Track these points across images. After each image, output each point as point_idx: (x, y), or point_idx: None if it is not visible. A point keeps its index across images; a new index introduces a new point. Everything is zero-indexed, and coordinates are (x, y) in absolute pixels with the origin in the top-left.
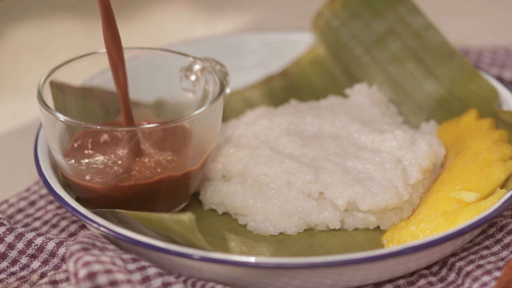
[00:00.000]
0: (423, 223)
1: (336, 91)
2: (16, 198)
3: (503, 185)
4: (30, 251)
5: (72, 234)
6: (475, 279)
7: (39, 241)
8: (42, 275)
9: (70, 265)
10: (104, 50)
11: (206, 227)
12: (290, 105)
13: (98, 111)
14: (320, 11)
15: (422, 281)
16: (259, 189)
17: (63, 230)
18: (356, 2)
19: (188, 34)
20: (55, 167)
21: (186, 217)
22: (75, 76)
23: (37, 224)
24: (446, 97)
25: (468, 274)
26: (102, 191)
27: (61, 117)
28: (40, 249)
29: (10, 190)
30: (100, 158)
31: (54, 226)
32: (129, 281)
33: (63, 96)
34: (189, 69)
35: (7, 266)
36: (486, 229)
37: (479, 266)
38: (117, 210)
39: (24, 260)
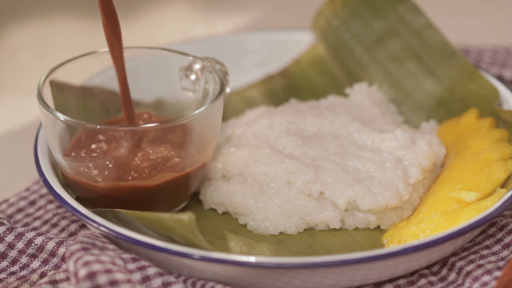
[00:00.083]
0: (424, 223)
1: (336, 90)
2: (16, 198)
3: (503, 185)
4: (30, 250)
5: (72, 234)
6: (476, 279)
7: (39, 240)
8: (42, 275)
9: (70, 265)
10: (104, 49)
11: (206, 227)
12: (290, 105)
13: (98, 110)
14: (320, 11)
15: (423, 281)
16: (259, 188)
17: (63, 229)
18: (356, 1)
19: (188, 33)
20: (55, 166)
21: (186, 216)
22: (75, 75)
23: (37, 223)
24: (446, 97)
25: (468, 273)
26: (102, 191)
27: (61, 116)
28: (40, 248)
29: (10, 189)
30: (100, 157)
31: (54, 225)
32: (129, 281)
33: (63, 95)
34: (189, 68)
35: (7, 266)
36: (487, 229)
37: (480, 266)
38: (117, 209)
39: (24, 259)
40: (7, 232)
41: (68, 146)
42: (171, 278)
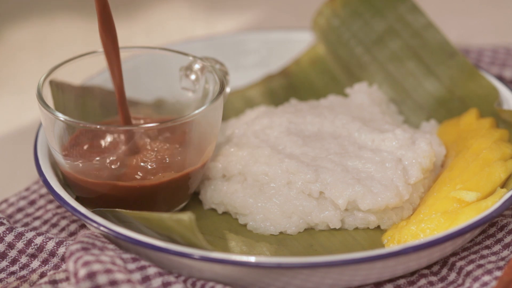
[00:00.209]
0: (424, 223)
1: (336, 90)
2: (15, 198)
3: (503, 185)
4: (29, 250)
5: (72, 234)
6: (476, 279)
7: (38, 240)
8: (42, 275)
9: (70, 265)
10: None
11: (206, 227)
12: (290, 104)
13: (98, 110)
14: (320, 10)
15: (423, 281)
16: (259, 188)
17: (63, 229)
18: (356, 1)
19: (188, 33)
20: (54, 166)
21: (186, 216)
22: (75, 75)
23: (36, 223)
24: (446, 96)
25: (468, 273)
26: (102, 191)
27: (61, 116)
28: (40, 248)
29: (9, 189)
30: (99, 157)
31: (54, 225)
32: (129, 281)
33: (63, 95)
34: (189, 68)
35: (6, 266)
36: (487, 229)
37: (480, 266)
38: (117, 209)
39: (23, 259)
40: (7, 232)
41: (67, 146)
42: (171, 278)
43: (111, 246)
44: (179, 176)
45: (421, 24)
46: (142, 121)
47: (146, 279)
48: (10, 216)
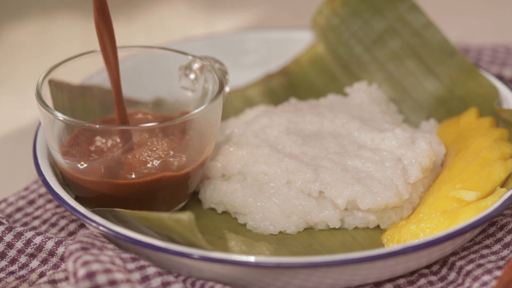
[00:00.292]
0: (423, 222)
1: (336, 89)
2: (15, 197)
3: (503, 184)
4: (29, 250)
5: (71, 233)
6: (476, 278)
7: (38, 240)
8: (41, 275)
9: (69, 265)
10: None
11: (206, 226)
12: (289, 104)
13: (97, 109)
14: (320, 9)
15: (422, 280)
16: (258, 188)
17: (62, 229)
18: (356, 0)
19: (187, 32)
20: (54, 166)
21: (186, 216)
22: (74, 74)
23: (36, 223)
24: (446, 96)
25: (468, 273)
26: (101, 190)
27: (60, 116)
28: (39, 248)
29: (9, 189)
30: (98, 156)
31: (53, 225)
32: (128, 281)
33: (62, 94)
34: (188, 67)
35: (6, 265)
36: (487, 228)
37: (480, 265)
38: (116, 209)
39: (23, 259)
40: (6, 231)
41: (66, 145)
42: (171, 278)
43: (110, 245)
44: (179, 175)
45: (420, 24)
46: (140, 115)
47: (145, 278)
48: (9, 216)
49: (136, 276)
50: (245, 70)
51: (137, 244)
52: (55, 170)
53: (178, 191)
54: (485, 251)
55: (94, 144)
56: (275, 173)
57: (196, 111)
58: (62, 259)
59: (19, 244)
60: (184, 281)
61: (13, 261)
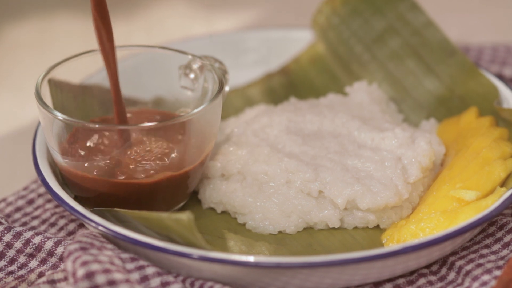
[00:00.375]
0: (423, 222)
1: (335, 88)
2: (14, 197)
3: (503, 184)
4: (28, 250)
5: (70, 233)
6: (475, 278)
7: (37, 240)
8: (40, 275)
9: (68, 265)
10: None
11: (205, 226)
12: (289, 103)
13: (97, 109)
14: (320, 9)
15: (422, 280)
16: (258, 187)
17: (61, 229)
18: None
19: (187, 31)
20: (53, 165)
21: (185, 216)
22: (74, 74)
23: (35, 223)
24: (446, 95)
25: (468, 273)
26: (101, 189)
27: (59, 115)
28: (38, 248)
29: (8, 188)
30: (97, 155)
31: (52, 225)
32: (127, 281)
33: (62, 94)
34: (188, 67)
35: (5, 265)
36: (486, 228)
37: (479, 265)
38: (115, 209)
39: (22, 259)
40: (5, 231)
41: (65, 145)
42: (170, 278)
43: (109, 245)
44: (178, 175)
45: (421, 23)
46: (137, 109)
47: (144, 278)
48: (8, 216)
49: (135, 276)
50: (245, 69)
51: (136, 244)
52: (55, 169)
53: (177, 191)
54: (484, 251)
55: (93, 143)
56: (274, 172)
57: (195, 110)
58: (61, 259)
59: (18, 244)
60: (183, 281)
61: (12, 261)
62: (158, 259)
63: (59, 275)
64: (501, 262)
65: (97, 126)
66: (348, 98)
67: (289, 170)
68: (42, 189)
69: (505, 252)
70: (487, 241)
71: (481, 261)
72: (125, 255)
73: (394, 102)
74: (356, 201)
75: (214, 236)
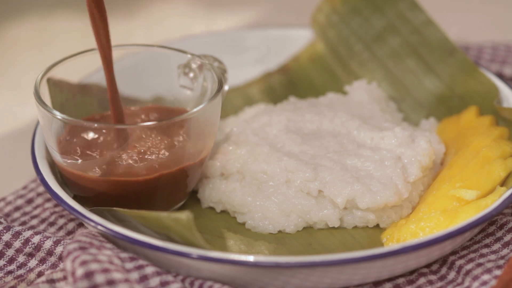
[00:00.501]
0: (423, 221)
1: (335, 87)
2: (13, 196)
3: (503, 183)
4: (27, 249)
5: (69, 233)
6: (475, 278)
7: (36, 239)
8: (39, 274)
9: (68, 264)
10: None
11: (204, 226)
12: (289, 102)
13: (96, 108)
14: (320, 7)
15: (422, 280)
16: (257, 187)
17: (60, 228)
18: None
19: (187, 30)
20: (52, 164)
21: (184, 215)
22: (73, 73)
23: (34, 222)
24: (446, 94)
25: (468, 272)
26: (100, 188)
27: (58, 115)
28: (38, 247)
29: (7, 187)
30: (97, 153)
31: (52, 224)
32: (126, 280)
33: (61, 93)
34: (187, 66)
35: (4, 265)
36: (486, 227)
37: (479, 265)
38: (114, 208)
39: (21, 258)
40: (4, 231)
41: (64, 144)
42: (169, 277)
43: (108, 245)
44: (177, 174)
45: (420, 21)
46: (136, 108)
47: (143, 278)
48: (7, 215)
49: (135, 275)
50: (245, 68)
51: (136, 244)
52: (54, 169)
53: (176, 190)
54: (484, 250)
55: (92, 141)
56: (274, 172)
57: (195, 110)
58: (61, 258)
59: (17, 244)
60: (182, 280)
61: (11, 260)
62: (157, 259)
63: (58, 275)
64: (501, 262)
65: (96, 125)
66: (348, 97)
67: (289, 170)
68: (41, 188)
69: (505, 251)
70: (487, 241)
71: (481, 260)
72: (124, 255)
73: (394, 101)
74: (356, 201)
75: (214, 235)
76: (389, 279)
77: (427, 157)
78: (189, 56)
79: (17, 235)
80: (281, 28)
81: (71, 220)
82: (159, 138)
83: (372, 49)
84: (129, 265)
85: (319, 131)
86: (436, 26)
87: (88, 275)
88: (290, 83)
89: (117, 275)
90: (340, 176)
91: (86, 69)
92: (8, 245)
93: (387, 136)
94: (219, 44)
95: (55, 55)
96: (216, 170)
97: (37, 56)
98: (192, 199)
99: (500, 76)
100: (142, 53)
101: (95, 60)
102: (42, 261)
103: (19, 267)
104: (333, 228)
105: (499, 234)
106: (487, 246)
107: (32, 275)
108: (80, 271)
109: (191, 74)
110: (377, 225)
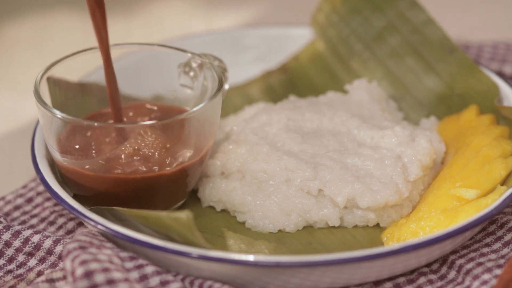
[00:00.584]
0: (423, 220)
1: (335, 86)
2: (13, 195)
3: (503, 182)
4: (27, 249)
5: (69, 232)
6: (476, 277)
7: (36, 238)
8: (39, 273)
9: (67, 263)
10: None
11: (205, 225)
12: (289, 101)
13: (96, 107)
14: (320, 6)
15: (422, 279)
16: (257, 186)
17: (60, 227)
18: None
19: (187, 28)
20: (52, 164)
21: (184, 215)
22: (73, 72)
23: (34, 221)
24: (446, 93)
25: (468, 272)
26: (99, 188)
27: (58, 113)
28: (37, 247)
29: (7, 187)
30: (97, 152)
31: (51, 223)
32: (126, 280)
33: (60, 92)
34: (187, 65)
35: (3, 264)
36: (487, 227)
37: (480, 264)
38: (114, 207)
39: (21, 258)
40: (4, 230)
41: (64, 143)
42: (169, 277)
43: (108, 244)
44: (177, 173)
45: (420, 20)
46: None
47: (143, 277)
48: (7, 214)
49: (134, 275)
50: (245, 67)
51: (136, 243)
52: (53, 168)
53: (176, 189)
54: (485, 250)
55: (92, 140)
56: (274, 171)
57: (195, 108)
58: (60, 257)
59: (17, 243)
60: (182, 280)
61: (11, 259)
62: (157, 258)
63: (58, 274)
64: (501, 261)
65: (95, 124)
66: (348, 96)
67: (289, 169)
68: (41, 188)
69: (505, 250)
70: (488, 240)
71: (482, 259)
72: (124, 254)
73: (394, 100)
74: (356, 200)
75: (214, 234)
76: (389, 279)
77: (428, 156)
78: (189, 55)
79: (16, 234)
80: (281, 27)
81: (71, 219)
82: (159, 136)
83: (372, 48)
84: (129, 264)
85: (319, 130)
86: (436, 25)
87: (88, 274)
88: (290, 82)
89: (117, 275)
90: (340, 175)
91: (86, 68)
92: (7, 244)
93: (387, 135)
94: (219, 43)
95: (55, 54)
96: (216, 169)
97: (36, 56)
98: (192, 198)
99: (500, 74)
100: (142, 52)
101: (95, 59)
102: (42, 260)
103: (19, 266)
104: (333, 227)
105: (499, 233)
106: (487, 245)
107: (31, 275)
108: (79, 271)
109: (191, 73)
110: (378, 224)
